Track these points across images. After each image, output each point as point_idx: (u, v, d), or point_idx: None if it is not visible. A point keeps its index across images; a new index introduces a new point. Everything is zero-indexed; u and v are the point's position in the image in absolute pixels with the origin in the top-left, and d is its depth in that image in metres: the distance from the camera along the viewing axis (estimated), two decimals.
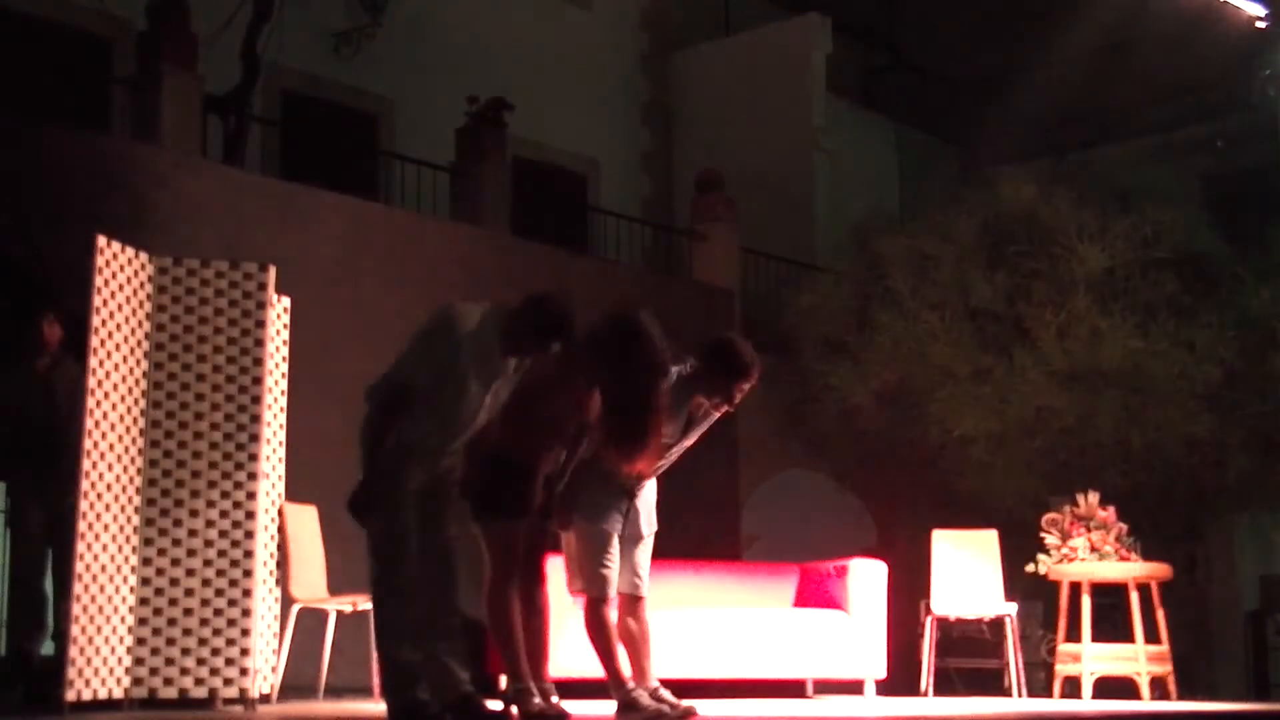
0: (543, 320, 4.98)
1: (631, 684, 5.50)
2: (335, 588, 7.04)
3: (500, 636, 5.39)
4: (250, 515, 6.31)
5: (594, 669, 5.90)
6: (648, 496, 5.73)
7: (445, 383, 4.98)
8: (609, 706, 5.63)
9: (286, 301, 6.92)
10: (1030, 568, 8.62)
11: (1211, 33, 12.46)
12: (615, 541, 5.57)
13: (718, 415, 5.70)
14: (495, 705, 5.30)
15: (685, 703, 5.61)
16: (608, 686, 5.58)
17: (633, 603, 5.65)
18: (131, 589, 6.17)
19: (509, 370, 5.12)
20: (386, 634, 5.04)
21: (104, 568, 5.97)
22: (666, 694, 5.59)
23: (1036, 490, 10.21)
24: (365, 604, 6.81)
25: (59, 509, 6.46)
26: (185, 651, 6.19)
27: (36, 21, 10.40)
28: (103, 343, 6.02)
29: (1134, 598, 8.27)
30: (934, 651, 8.63)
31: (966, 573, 8.77)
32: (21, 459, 6.84)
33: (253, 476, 6.32)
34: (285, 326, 6.92)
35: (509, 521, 5.37)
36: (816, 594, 8.27)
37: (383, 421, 5.02)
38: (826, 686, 8.46)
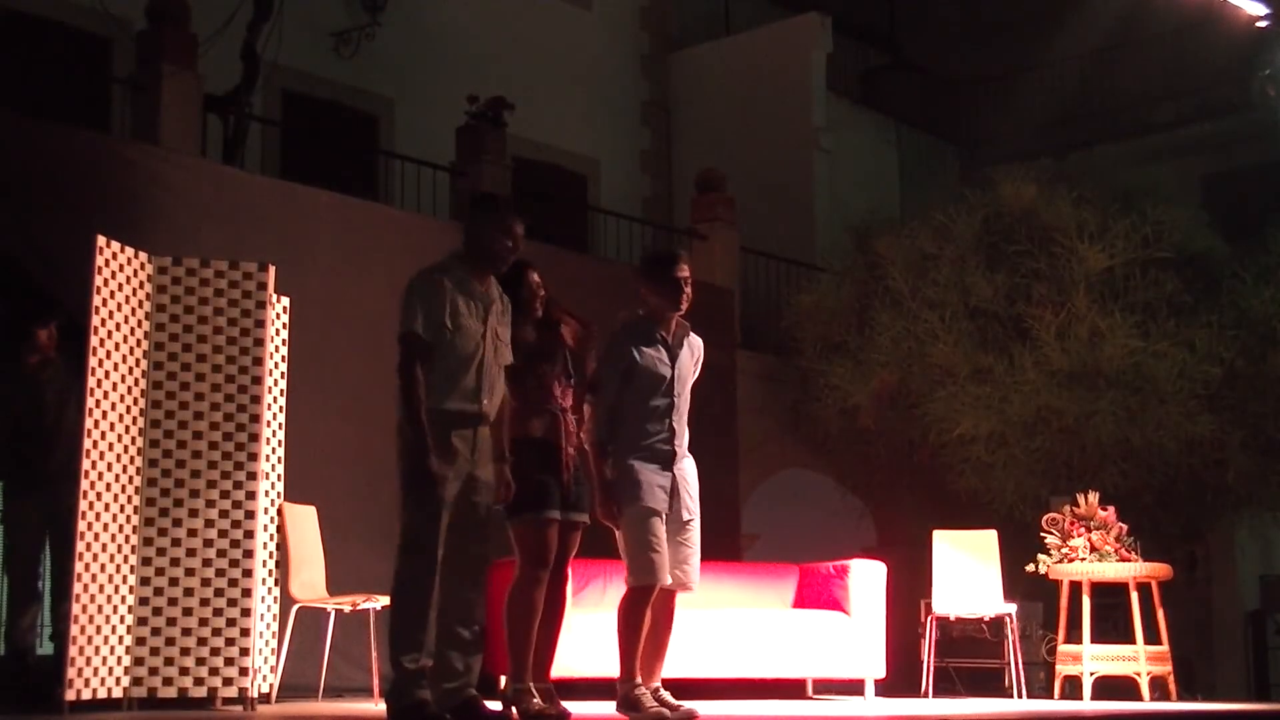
0: (479, 207, 5.30)
1: (639, 681, 5.48)
2: (335, 588, 7.04)
3: (514, 637, 5.37)
4: (250, 515, 6.31)
5: (592, 669, 5.91)
6: (689, 476, 5.69)
7: (440, 322, 5.05)
8: (607, 707, 5.63)
9: (286, 301, 6.92)
10: (1030, 568, 8.62)
11: (1211, 33, 12.46)
12: (662, 522, 5.52)
13: (698, 345, 5.76)
14: (494, 705, 5.31)
15: (686, 704, 5.60)
16: (618, 680, 5.56)
17: (665, 596, 5.61)
18: (131, 589, 6.18)
19: (495, 298, 5.21)
20: (399, 642, 5.03)
21: (104, 568, 5.98)
22: (667, 695, 5.59)
23: (1036, 490, 10.21)
24: (365, 604, 6.81)
25: (55, 509, 6.46)
26: (185, 651, 6.20)
27: (36, 21, 10.39)
28: (102, 343, 6.02)
29: (1134, 598, 8.27)
30: (934, 651, 8.63)
31: (966, 573, 8.77)
32: (13, 458, 6.84)
33: (253, 476, 6.32)
34: (285, 326, 6.91)
35: (535, 514, 5.35)
36: (816, 594, 8.27)
37: (408, 379, 5.02)
38: (826, 686, 8.46)
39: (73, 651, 5.77)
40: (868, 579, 7.98)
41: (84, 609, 5.85)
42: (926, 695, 8.48)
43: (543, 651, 5.49)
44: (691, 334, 5.75)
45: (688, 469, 5.66)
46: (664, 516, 5.50)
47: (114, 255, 6.15)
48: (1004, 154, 13.87)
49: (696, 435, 5.81)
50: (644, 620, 5.50)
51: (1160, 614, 8.38)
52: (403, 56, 12.41)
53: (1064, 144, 14.36)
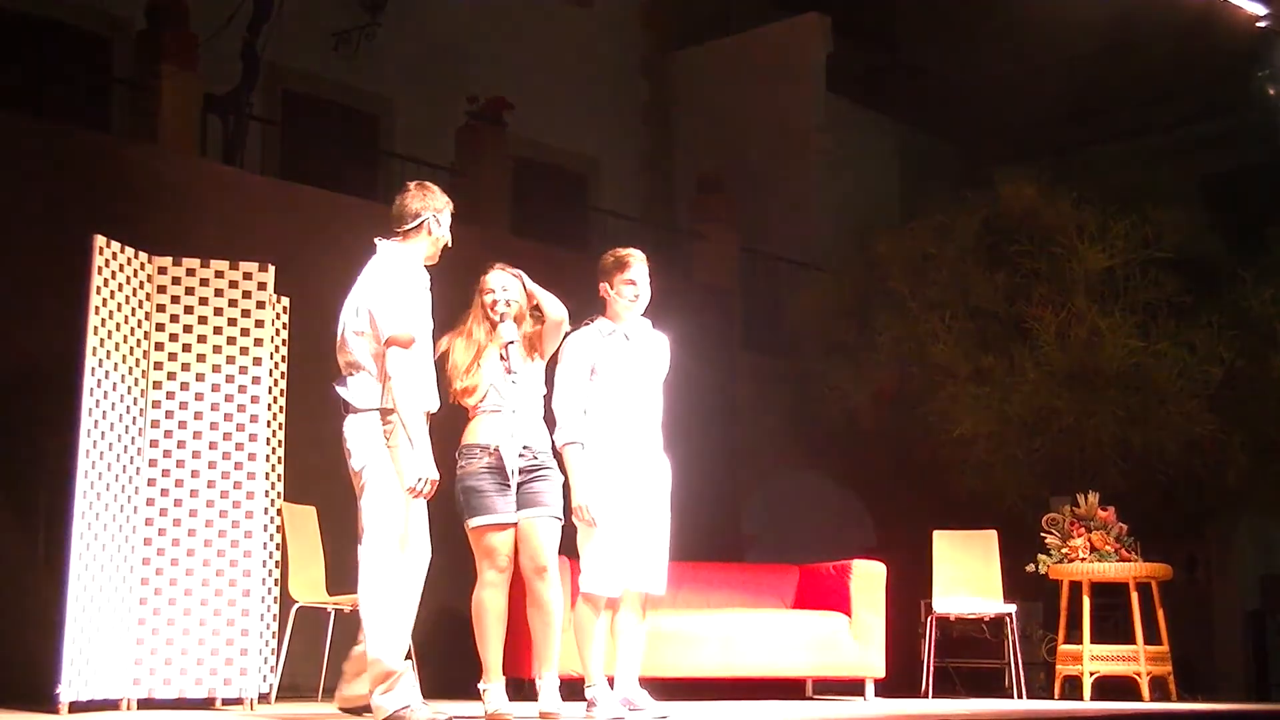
0: (410, 200, 5.39)
1: (594, 683, 5.57)
2: (335, 588, 7.04)
3: (477, 639, 5.40)
4: (250, 515, 6.31)
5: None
6: (656, 475, 5.71)
7: (415, 317, 5.14)
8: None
9: (286, 301, 6.92)
10: (1030, 568, 8.63)
11: (1211, 33, 12.43)
12: (618, 528, 5.56)
13: (662, 342, 5.85)
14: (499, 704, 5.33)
15: (662, 704, 5.62)
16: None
17: (635, 598, 5.67)
18: (131, 589, 6.17)
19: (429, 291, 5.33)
20: (386, 641, 5.06)
21: (103, 568, 5.97)
22: (640, 695, 5.61)
23: (1036, 490, 10.20)
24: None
25: None
26: (184, 652, 6.20)
27: (36, 21, 10.39)
28: (102, 343, 6.02)
29: (1134, 598, 8.28)
30: (934, 651, 8.64)
31: (966, 573, 8.78)
32: None
33: (252, 476, 6.32)
34: (285, 326, 6.92)
35: (476, 519, 5.38)
36: (816, 594, 8.28)
37: (408, 383, 5.06)
38: (826, 686, 8.47)
39: (72, 651, 5.77)
40: (868, 579, 7.99)
41: (84, 609, 5.85)
42: (926, 695, 8.48)
43: (536, 648, 5.50)
44: (655, 332, 5.83)
45: (654, 468, 5.70)
46: (623, 520, 5.57)
47: (114, 255, 6.15)
48: (1004, 154, 13.86)
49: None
50: (594, 623, 5.57)
51: (1160, 614, 8.39)
52: (403, 56, 12.40)
53: (1064, 144, 14.35)
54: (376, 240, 5.38)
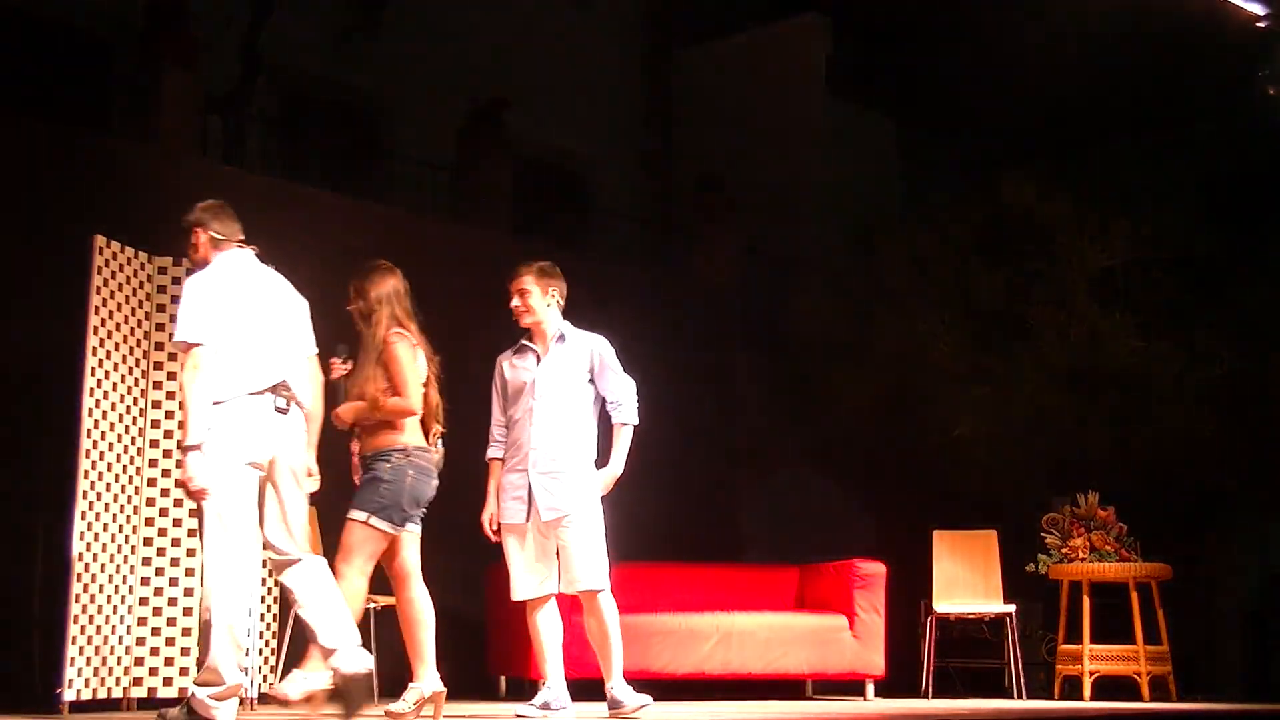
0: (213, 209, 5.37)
1: (549, 684, 5.69)
2: None
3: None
4: None
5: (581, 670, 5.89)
6: (559, 478, 5.76)
7: (218, 318, 5.05)
8: (591, 708, 5.64)
9: None
10: (1030, 568, 8.63)
11: (1211, 33, 12.44)
12: (517, 536, 5.68)
13: (584, 347, 5.88)
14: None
15: (641, 696, 5.64)
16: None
17: (585, 598, 5.75)
18: (131, 589, 6.18)
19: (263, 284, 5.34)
20: None
21: (103, 567, 5.98)
22: (620, 693, 5.63)
23: (1036, 490, 10.20)
24: (365, 604, 6.80)
25: None
26: (184, 652, 6.20)
27: (36, 21, 10.39)
28: (102, 343, 6.02)
29: (1134, 598, 8.28)
30: (934, 651, 8.64)
31: (966, 573, 8.78)
32: None
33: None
34: None
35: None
36: (816, 594, 8.29)
37: (198, 388, 4.91)
38: (826, 686, 8.47)
39: (72, 651, 5.78)
40: (868, 579, 7.99)
41: (84, 609, 5.85)
42: (926, 695, 8.48)
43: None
44: (578, 337, 5.85)
45: (556, 471, 5.75)
46: (523, 527, 5.72)
47: (114, 255, 6.15)
48: (1004, 154, 13.85)
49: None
50: (537, 628, 5.72)
51: (1160, 614, 8.39)
52: (403, 56, 12.40)
53: (1064, 144, 14.34)
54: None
